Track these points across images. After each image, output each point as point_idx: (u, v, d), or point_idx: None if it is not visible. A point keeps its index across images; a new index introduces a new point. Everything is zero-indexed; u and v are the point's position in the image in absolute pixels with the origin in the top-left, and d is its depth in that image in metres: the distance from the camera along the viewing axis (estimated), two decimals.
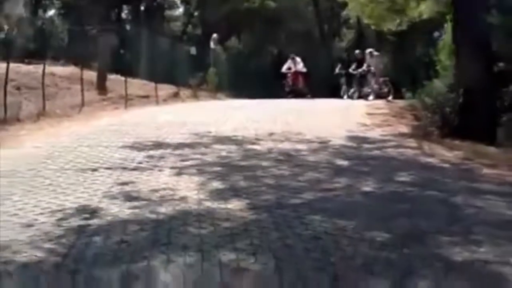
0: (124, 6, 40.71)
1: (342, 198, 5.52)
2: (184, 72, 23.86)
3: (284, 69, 20.99)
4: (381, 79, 18.25)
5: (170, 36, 36.24)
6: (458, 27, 9.89)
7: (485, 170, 6.81)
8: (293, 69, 20.76)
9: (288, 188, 5.86)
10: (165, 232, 4.51)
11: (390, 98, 17.07)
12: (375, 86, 18.19)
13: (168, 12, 43.81)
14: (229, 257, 4.00)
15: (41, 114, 11.95)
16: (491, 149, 8.09)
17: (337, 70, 20.34)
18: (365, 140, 9.12)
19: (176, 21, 44.23)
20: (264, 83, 22.66)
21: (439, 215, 4.97)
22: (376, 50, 19.67)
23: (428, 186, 5.94)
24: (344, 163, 7.21)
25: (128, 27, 39.86)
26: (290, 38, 31.89)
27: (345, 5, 21.57)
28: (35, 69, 15.03)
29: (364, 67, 18.44)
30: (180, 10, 45.22)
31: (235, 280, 3.67)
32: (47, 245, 4.25)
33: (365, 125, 11.02)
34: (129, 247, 4.21)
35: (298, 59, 21.16)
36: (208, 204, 5.27)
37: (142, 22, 35.76)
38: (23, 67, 15.00)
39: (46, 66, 14.62)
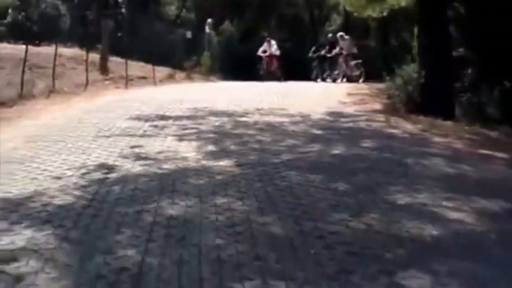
0: None
1: (314, 158, 6.40)
2: (179, 54, 24.51)
3: (260, 52, 20.69)
4: (353, 62, 18.80)
5: (164, 19, 36.69)
6: (420, 14, 10.75)
7: (437, 139, 7.72)
8: (268, 52, 20.50)
9: (269, 151, 6.73)
10: (170, 183, 5.36)
11: (361, 81, 17.79)
12: (346, 69, 18.85)
13: None
14: (222, 201, 4.87)
15: (51, 91, 12.73)
16: (447, 123, 8.96)
17: (310, 54, 20.49)
18: (341, 114, 10.01)
19: (170, 5, 44.63)
20: (255, 66, 23.19)
21: (391, 171, 5.86)
22: (346, 34, 20.17)
23: (387, 150, 6.83)
24: (320, 132, 8.09)
25: (124, 10, 40.19)
26: (281, 22, 31.93)
27: None
28: (44, 50, 15.78)
29: (337, 49, 18.98)
30: None
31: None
32: (76, 192, 5.09)
33: (344, 103, 11.91)
34: (142, 193, 5.08)
35: (273, 41, 20.90)
36: (204, 162, 6.14)
37: (138, 6, 36.16)
38: (34, 49, 15.67)
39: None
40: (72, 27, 26.90)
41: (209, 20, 24.64)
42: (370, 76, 17.77)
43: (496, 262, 3.71)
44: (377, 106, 11.12)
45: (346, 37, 19.51)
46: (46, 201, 4.80)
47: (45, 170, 5.79)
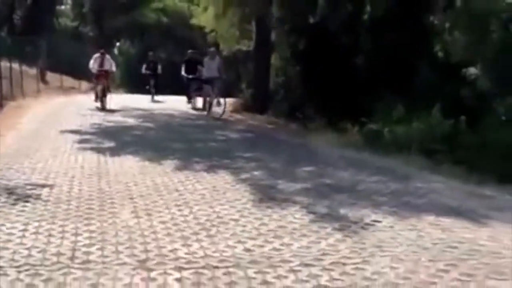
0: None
1: (189, 123, 16.30)
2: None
3: (91, 65, 19.90)
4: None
5: (62, 32, 43.93)
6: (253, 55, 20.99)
7: (249, 122, 17.79)
8: (97, 68, 19.66)
9: (168, 121, 16.60)
10: (125, 129, 14.95)
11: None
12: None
13: (58, 7, 50.26)
14: (151, 133, 14.55)
15: (22, 95, 21.69)
16: (259, 116, 19.04)
17: (143, 70, 24.14)
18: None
19: (65, 16, 51.34)
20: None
21: (214, 127, 15.86)
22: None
23: (216, 124, 16.84)
24: (193, 117, 18.04)
25: (20, 23, 46.53)
26: (178, 45, 39.43)
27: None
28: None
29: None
30: (68, 6, 52.16)
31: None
32: (94, 128, 14.55)
33: None
34: (118, 128, 14.64)
35: (108, 56, 20.59)
36: (139, 124, 15.82)
37: (34, 18, 42.52)
38: None
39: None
40: None
41: (118, 44, 33.87)
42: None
43: (236, 142, 13.59)
44: (230, 108, 21.08)
45: (217, 58, 19.24)
46: (102, 128, 14.21)
47: (78, 123, 15.15)
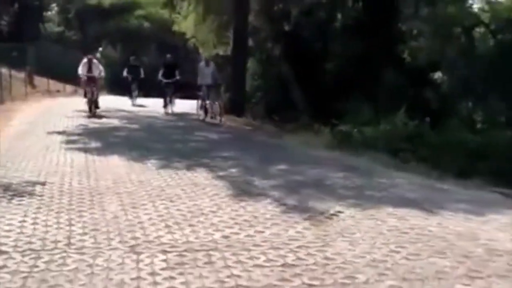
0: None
1: (171, 125, 16.79)
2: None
3: (80, 71, 19.07)
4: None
5: (48, 37, 44.23)
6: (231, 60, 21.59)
7: (228, 123, 18.33)
8: (85, 73, 18.86)
9: (150, 122, 17.07)
10: (110, 130, 15.42)
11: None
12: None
13: (44, 13, 50.56)
14: (135, 134, 15.02)
15: (11, 98, 22.04)
16: (238, 118, 19.61)
17: (124, 73, 23.69)
18: (187, 113, 20.52)
19: (50, 21, 51.49)
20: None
21: (195, 128, 16.34)
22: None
23: (197, 126, 17.34)
24: (174, 119, 18.52)
25: (6, 29, 46.86)
26: (161, 50, 38.89)
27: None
28: None
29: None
30: (54, 11, 52.42)
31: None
32: (95, 124, 15.02)
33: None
34: (120, 127, 15.10)
35: (95, 61, 19.76)
36: (124, 125, 16.28)
37: (20, 23, 42.81)
38: None
39: None
40: None
41: (100, 49, 34.26)
42: None
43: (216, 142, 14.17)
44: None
45: (211, 65, 18.83)
46: (88, 129, 14.65)
47: (65, 125, 15.59)
